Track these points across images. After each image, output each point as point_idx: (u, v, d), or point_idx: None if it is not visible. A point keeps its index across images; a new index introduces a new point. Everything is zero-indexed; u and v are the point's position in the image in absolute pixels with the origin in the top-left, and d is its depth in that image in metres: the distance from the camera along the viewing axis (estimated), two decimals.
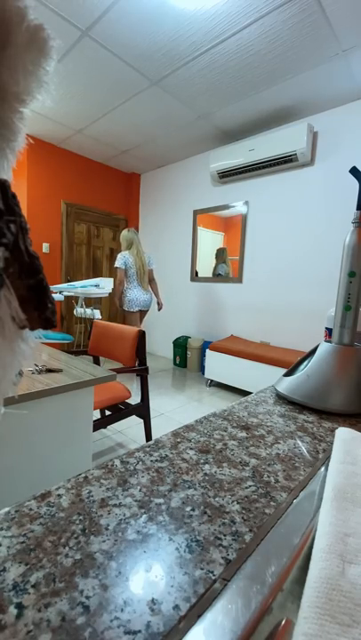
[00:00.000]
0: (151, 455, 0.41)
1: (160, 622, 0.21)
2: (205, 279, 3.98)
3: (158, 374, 3.78)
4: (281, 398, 0.64)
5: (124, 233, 3.44)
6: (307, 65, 2.32)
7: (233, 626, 0.21)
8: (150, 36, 2.11)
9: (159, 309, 3.60)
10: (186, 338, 4.10)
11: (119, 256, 3.29)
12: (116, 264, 3.28)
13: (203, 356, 3.62)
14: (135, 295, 3.31)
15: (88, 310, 3.49)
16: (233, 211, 3.64)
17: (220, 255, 3.90)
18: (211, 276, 3.97)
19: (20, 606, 0.21)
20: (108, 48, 2.24)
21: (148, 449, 0.43)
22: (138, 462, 0.39)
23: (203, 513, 0.31)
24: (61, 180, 4.02)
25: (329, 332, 0.75)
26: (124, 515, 0.31)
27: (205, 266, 4.03)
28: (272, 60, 2.28)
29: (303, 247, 3.08)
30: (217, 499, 0.34)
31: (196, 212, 4.01)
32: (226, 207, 3.68)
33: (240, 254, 3.57)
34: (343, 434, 0.44)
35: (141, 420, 2.00)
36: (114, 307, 4.66)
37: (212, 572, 0.25)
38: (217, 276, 3.91)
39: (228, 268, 3.83)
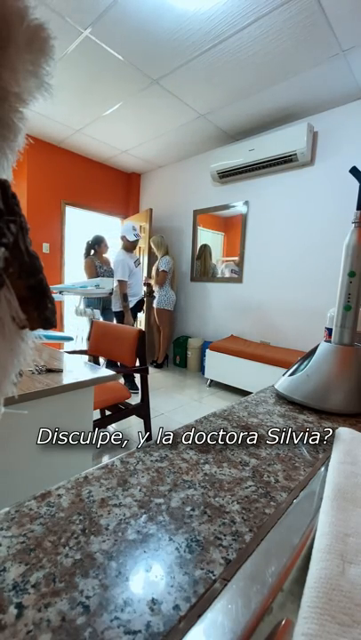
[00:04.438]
0: (151, 455, 0.41)
1: (160, 622, 0.21)
2: (206, 279, 3.98)
3: (158, 374, 3.78)
4: (281, 398, 0.64)
5: (158, 239, 3.85)
6: (307, 65, 2.32)
7: (233, 626, 0.21)
8: (150, 36, 2.11)
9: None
10: (186, 338, 4.10)
11: (166, 260, 3.74)
12: (165, 268, 3.72)
13: (203, 355, 3.62)
14: (172, 295, 3.89)
15: (88, 310, 3.48)
16: (233, 211, 3.63)
17: (202, 251, 4.02)
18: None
19: (19, 606, 0.21)
20: (107, 46, 2.24)
21: (148, 449, 0.43)
22: (138, 462, 0.39)
23: (203, 513, 0.31)
24: (61, 180, 4.01)
25: (329, 331, 0.75)
26: (124, 515, 0.31)
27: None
28: (272, 60, 2.28)
29: (303, 247, 3.08)
30: (217, 499, 0.34)
31: (196, 212, 4.01)
32: (226, 207, 3.68)
33: (240, 254, 3.57)
34: (343, 434, 0.44)
35: (141, 420, 2.00)
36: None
37: (212, 572, 0.25)
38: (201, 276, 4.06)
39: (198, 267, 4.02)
